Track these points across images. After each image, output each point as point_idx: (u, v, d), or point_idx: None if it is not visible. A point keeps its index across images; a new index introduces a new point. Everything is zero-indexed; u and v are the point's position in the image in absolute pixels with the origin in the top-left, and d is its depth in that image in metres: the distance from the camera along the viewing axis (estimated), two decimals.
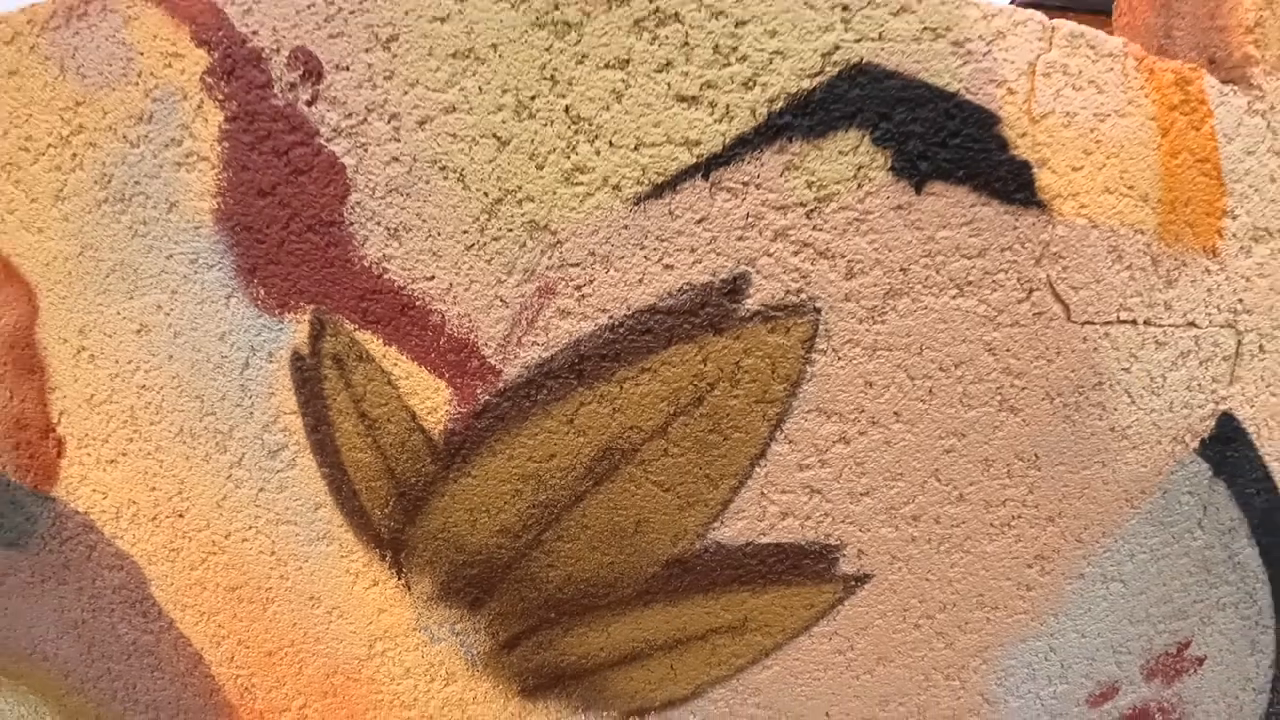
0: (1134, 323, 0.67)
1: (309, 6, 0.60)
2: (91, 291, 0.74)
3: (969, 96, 0.57)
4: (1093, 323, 0.64)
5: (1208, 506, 0.81)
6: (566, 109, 0.53)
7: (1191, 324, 0.71)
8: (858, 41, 0.55)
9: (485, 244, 0.54)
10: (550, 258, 0.54)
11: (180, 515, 0.74)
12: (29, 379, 0.89)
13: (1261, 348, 0.79)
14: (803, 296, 0.54)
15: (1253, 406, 0.80)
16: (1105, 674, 0.88)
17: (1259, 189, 0.75)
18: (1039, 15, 0.63)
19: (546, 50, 0.53)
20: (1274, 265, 0.78)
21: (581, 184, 0.53)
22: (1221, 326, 0.74)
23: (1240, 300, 0.75)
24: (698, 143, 0.53)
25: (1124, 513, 0.74)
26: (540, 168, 0.53)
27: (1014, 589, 0.71)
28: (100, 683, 1.01)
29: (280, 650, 0.77)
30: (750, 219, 0.53)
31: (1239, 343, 0.77)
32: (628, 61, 0.52)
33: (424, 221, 0.55)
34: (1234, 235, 0.73)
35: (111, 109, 0.71)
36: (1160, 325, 0.69)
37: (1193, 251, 0.71)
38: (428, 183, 0.54)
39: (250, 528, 0.69)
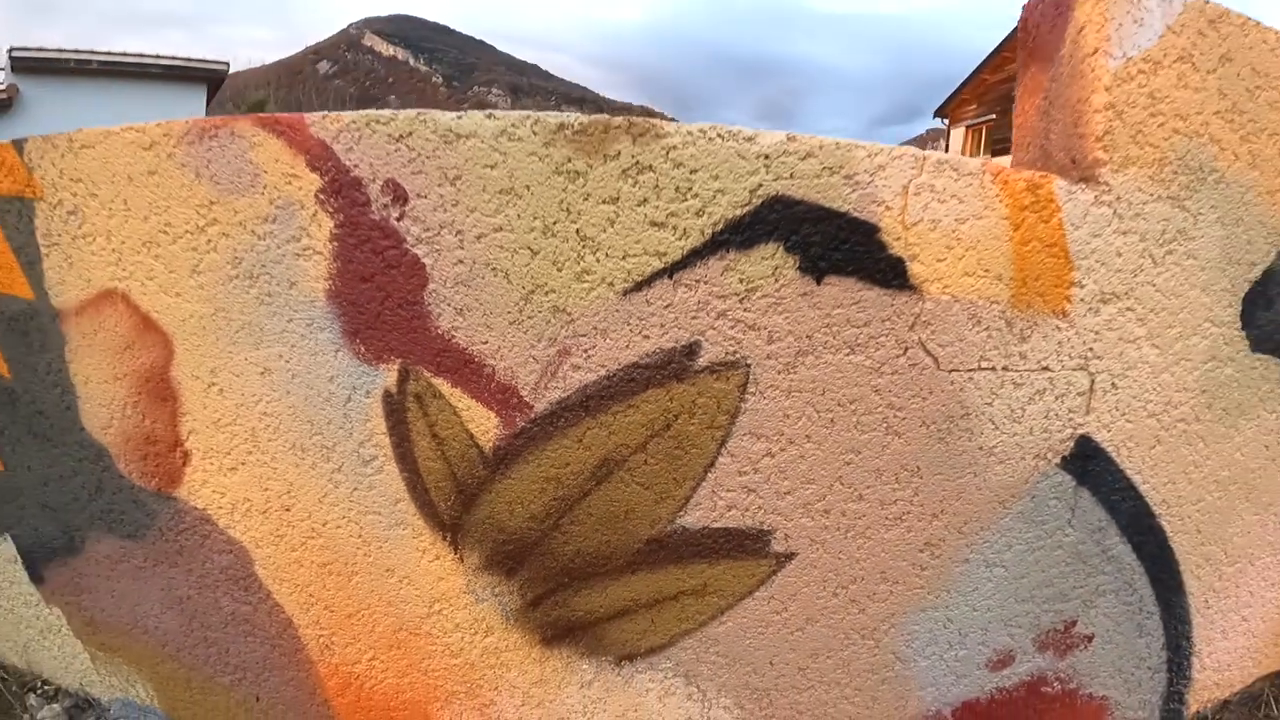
0: (993, 369, 0.95)
1: (396, 150, 0.89)
2: (222, 342, 1.04)
3: (856, 214, 0.85)
4: (958, 370, 0.92)
5: (1075, 509, 1.08)
6: (577, 231, 0.82)
7: (1045, 368, 0.99)
8: (775, 180, 0.83)
9: (523, 321, 0.83)
10: (567, 330, 0.83)
11: (287, 509, 1.04)
12: (161, 406, 1.19)
13: (1114, 385, 1.06)
14: (737, 356, 0.83)
15: (1110, 431, 1.07)
16: (999, 643, 1.14)
17: (1105, 262, 1.03)
18: (913, 150, 0.91)
19: (563, 191, 0.82)
20: (1121, 321, 1.05)
21: (588, 281, 0.83)
22: (1074, 369, 1.02)
23: (1091, 349, 1.03)
24: (665, 254, 0.82)
25: (997, 512, 1.01)
26: (560, 270, 0.82)
27: (910, 568, 0.98)
28: (196, 649, 1.31)
29: (358, 613, 1.06)
30: (700, 304, 0.82)
31: (1092, 381, 1.04)
32: (617, 199, 0.81)
33: (480, 304, 0.84)
34: (1082, 300, 1.01)
35: (241, 210, 1.01)
36: (1017, 370, 0.97)
37: (1044, 314, 0.99)
38: (483, 279, 0.84)
39: (344, 517, 0.99)
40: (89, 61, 10.27)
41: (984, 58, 24.23)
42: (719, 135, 0.86)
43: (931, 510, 0.97)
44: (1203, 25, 1.12)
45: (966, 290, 0.93)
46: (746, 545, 0.92)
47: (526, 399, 0.88)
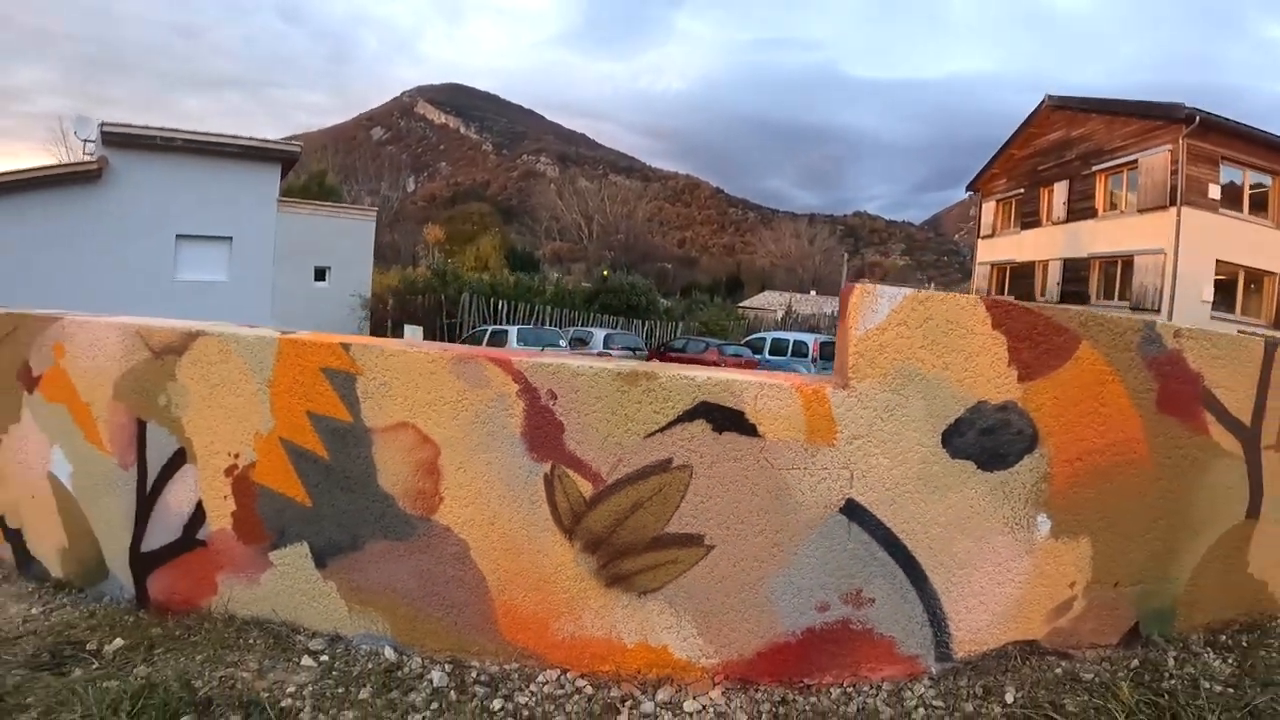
0: (800, 469, 2.42)
1: (553, 376, 2.43)
2: (467, 449, 2.58)
3: (734, 407, 2.36)
4: (783, 469, 2.40)
5: (850, 531, 2.54)
6: (625, 413, 2.34)
7: (825, 468, 2.46)
8: (703, 394, 2.35)
9: (603, 447, 2.34)
10: (620, 452, 2.34)
11: (492, 524, 2.54)
12: (429, 477, 2.72)
13: (864, 475, 2.53)
14: (688, 463, 2.32)
15: (864, 496, 2.54)
16: (819, 597, 2.57)
17: (853, 422, 2.52)
18: (758, 379, 2.42)
19: (620, 396, 2.34)
20: (865, 446, 2.53)
21: (629, 432, 2.34)
22: (840, 469, 2.49)
23: (849, 460, 2.50)
24: (658, 422, 2.32)
25: (808, 533, 2.47)
26: (617, 428, 2.34)
27: (769, 555, 2.44)
28: (427, 600, 2.79)
29: (519, 573, 2.55)
30: (673, 442, 2.32)
31: (851, 474, 2.51)
32: (640, 400, 2.34)
33: (586, 440, 2.36)
34: (842, 439, 2.49)
35: (480, 394, 2.56)
36: (810, 469, 2.44)
37: (822, 445, 2.47)
38: (587, 430, 2.36)
39: (521, 528, 2.49)
40: (174, 139, 12.35)
41: (1010, 135, 25.73)
42: (681, 376, 2.38)
43: (776, 529, 2.42)
44: (914, 303, 2.62)
45: (784, 435, 2.41)
46: (694, 541, 2.38)
47: (604, 477, 2.38)
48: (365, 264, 24.42)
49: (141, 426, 3.09)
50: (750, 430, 2.41)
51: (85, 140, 12.31)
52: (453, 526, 2.63)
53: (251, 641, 2.95)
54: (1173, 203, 17.40)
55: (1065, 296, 21.78)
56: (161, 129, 12.31)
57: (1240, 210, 18.39)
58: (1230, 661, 2.99)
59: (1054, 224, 23.16)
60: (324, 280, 23.29)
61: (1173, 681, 2.76)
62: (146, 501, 3.14)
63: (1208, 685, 2.74)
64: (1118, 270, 20.17)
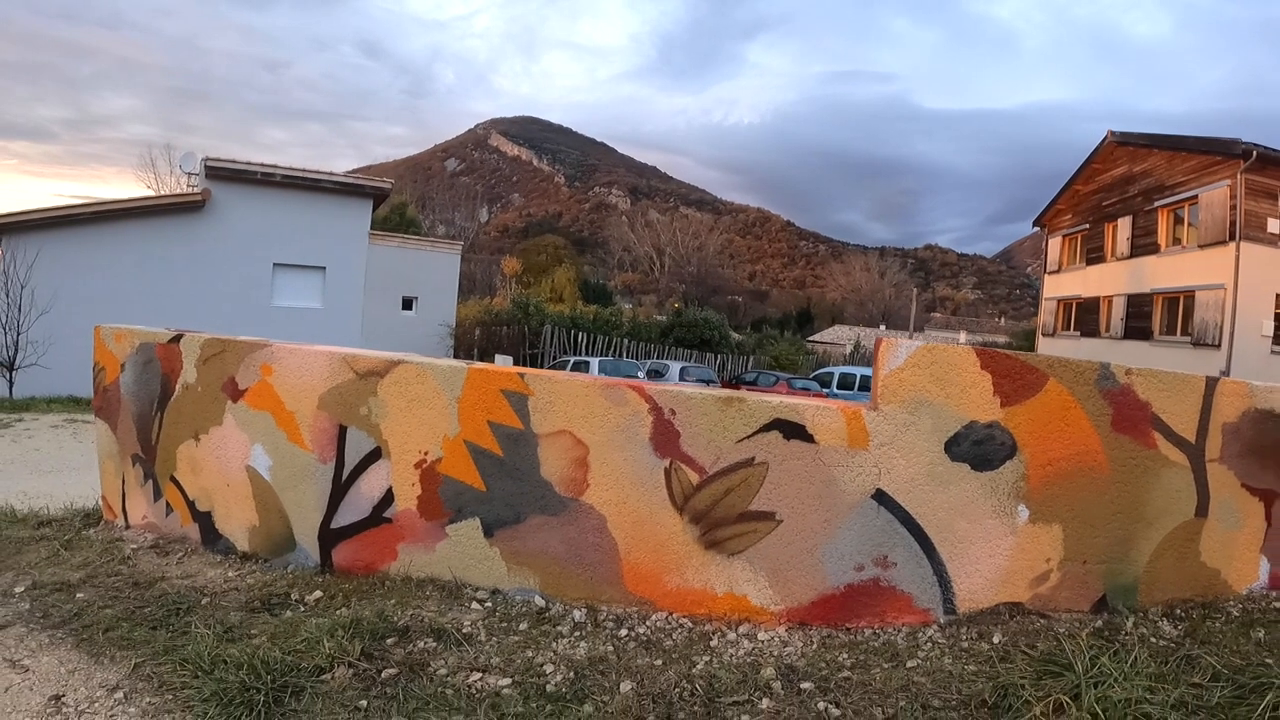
0: (843, 466, 3.75)
1: (674, 397, 3.82)
2: (611, 449, 3.96)
3: (798, 421, 3.70)
4: (830, 465, 3.73)
5: (879, 512, 3.85)
6: (723, 425, 3.71)
7: (861, 466, 3.80)
8: (776, 413, 3.70)
9: (708, 447, 3.69)
10: (719, 451, 3.68)
11: (624, 502, 3.90)
12: (580, 468, 4.10)
13: (889, 471, 3.86)
14: (766, 460, 3.66)
15: (889, 487, 3.85)
16: (856, 560, 3.87)
17: (880, 433, 3.85)
18: (816, 405, 3.78)
19: (720, 414, 3.71)
20: (889, 451, 3.84)
21: (726, 437, 3.69)
22: (872, 466, 3.82)
23: (878, 460, 3.83)
24: (745, 431, 3.68)
25: (849, 512, 3.77)
26: (718, 434, 3.70)
27: (822, 529, 3.76)
28: (571, 561, 4.16)
29: (641, 540, 3.90)
30: (755, 446, 3.67)
31: (879, 470, 3.84)
32: (734, 416, 3.71)
33: (696, 443, 3.71)
34: (874, 445, 3.83)
35: (621, 411, 3.95)
36: (849, 466, 3.76)
37: (859, 449, 3.80)
38: (698, 437, 3.72)
39: (646, 506, 3.84)
40: (273, 174, 14.06)
41: (1074, 171, 26.81)
42: (761, 400, 3.73)
43: (826, 508, 3.72)
44: (925, 352, 3.93)
45: (831, 441, 3.72)
46: (769, 516, 3.68)
47: (707, 470, 3.69)
48: (450, 294, 26.41)
49: (342, 430, 4.54)
50: (809, 438, 3.74)
51: (190, 173, 14.12)
52: (594, 505, 4.00)
53: (429, 593, 4.32)
54: (1232, 238, 18.37)
55: (1129, 332, 22.75)
56: (262, 165, 14.06)
57: None
58: (1180, 628, 4.21)
59: (1118, 260, 24.14)
60: (411, 309, 25.25)
61: (1127, 636, 4.02)
62: (341, 489, 4.58)
63: (1154, 640, 4.00)
64: (1179, 306, 21.13)
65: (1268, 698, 2.99)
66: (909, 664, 3.63)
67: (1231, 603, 4.71)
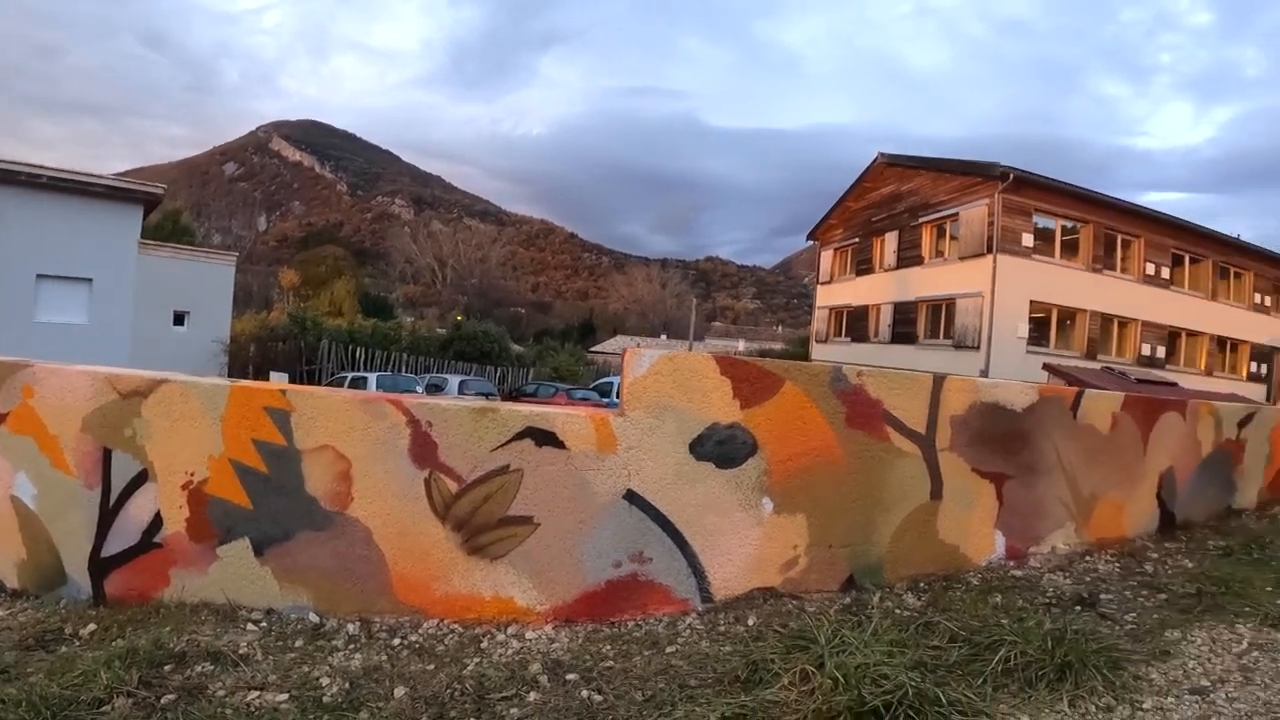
0: (594, 469, 4.08)
1: (431, 410, 4.03)
2: (370, 462, 4.12)
3: (551, 429, 4.02)
4: (583, 470, 4.05)
5: (631, 511, 4.19)
6: (478, 437, 3.96)
7: (611, 469, 4.14)
8: (530, 423, 3.99)
9: (464, 458, 3.95)
10: (475, 462, 3.95)
11: (388, 514, 4.07)
12: (344, 482, 4.23)
13: (638, 473, 4.21)
14: (520, 468, 3.95)
15: (638, 486, 4.20)
16: (614, 557, 4.19)
17: (627, 437, 4.19)
18: (573, 412, 4.09)
19: (474, 423, 3.96)
20: (634, 454, 4.22)
21: (484, 446, 3.96)
22: (622, 469, 4.16)
23: (627, 463, 4.18)
24: (499, 441, 3.95)
25: (603, 513, 4.08)
26: (476, 444, 3.96)
27: (576, 530, 4.07)
28: (342, 575, 4.26)
29: (407, 550, 4.09)
30: (511, 455, 3.96)
31: (629, 472, 4.19)
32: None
33: (451, 452, 3.96)
34: (622, 448, 4.18)
35: (380, 424, 4.13)
36: (600, 469, 4.09)
37: (608, 453, 4.15)
38: (453, 446, 3.96)
39: (410, 516, 4.03)
40: (39, 175, 13.00)
41: (846, 189, 29.50)
42: (513, 409, 4.01)
43: (581, 510, 3.98)
44: (666, 360, 4.26)
45: (581, 447, 4.01)
46: (527, 520, 3.98)
47: (465, 479, 3.95)
48: (225, 308, 25.71)
49: (107, 453, 4.47)
50: (560, 444, 4.02)
51: None
52: (361, 518, 4.15)
53: (204, 618, 4.33)
54: (989, 250, 20.92)
55: (896, 337, 25.45)
56: (28, 165, 12.97)
57: (1053, 255, 22.36)
58: (923, 599, 4.80)
59: (885, 271, 26.94)
60: (183, 325, 24.31)
61: (873, 610, 4.55)
62: (109, 515, 4.50)
63: (899, 612, 4.54)
64: (942, 312, 23.76)
65: (1000, 653, 3.45)
66: (668, 650, 3.96)
67: (972, 574, 5.39)
